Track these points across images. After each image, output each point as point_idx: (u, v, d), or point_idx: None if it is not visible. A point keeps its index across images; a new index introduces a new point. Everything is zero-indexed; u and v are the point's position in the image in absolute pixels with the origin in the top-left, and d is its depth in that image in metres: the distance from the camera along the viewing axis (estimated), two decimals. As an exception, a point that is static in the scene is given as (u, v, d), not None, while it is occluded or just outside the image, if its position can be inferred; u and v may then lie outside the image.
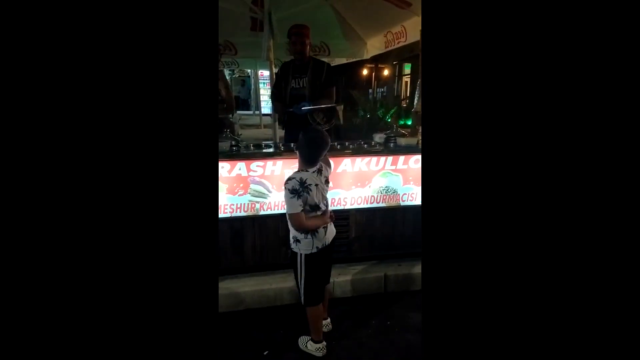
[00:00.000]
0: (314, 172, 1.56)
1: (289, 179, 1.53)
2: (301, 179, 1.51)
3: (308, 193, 1.50)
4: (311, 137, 1.55)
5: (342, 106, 2.52)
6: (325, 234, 1.61)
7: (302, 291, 1.66)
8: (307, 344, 1.75)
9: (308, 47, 2.48)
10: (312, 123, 2.43)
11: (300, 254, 1.60)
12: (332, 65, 2.91)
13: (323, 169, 1.62)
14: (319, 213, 1.59)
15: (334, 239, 1.71)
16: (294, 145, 1.85)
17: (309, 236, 1.57)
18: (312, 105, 2.41)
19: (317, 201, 1.55)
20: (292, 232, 1.61)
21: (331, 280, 1.90)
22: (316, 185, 1.54)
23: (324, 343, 1.73)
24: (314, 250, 1.58)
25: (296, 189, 1.49)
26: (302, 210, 1.50)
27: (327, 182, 1.67)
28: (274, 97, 2.75)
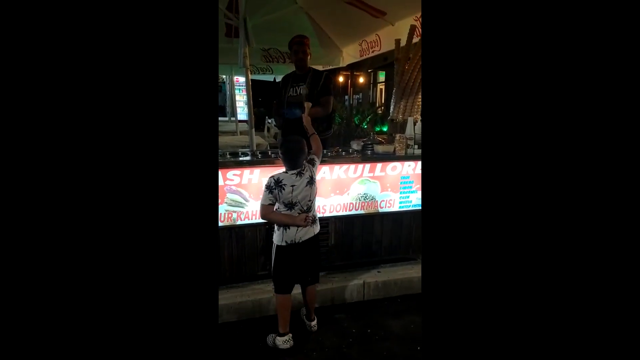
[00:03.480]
0: (293, 173, 1.71)
1: (270, 176, 1.73)
2: (278, 178, 1.71)
3: (280, 191, 1.69)
4: (288, 148, 1.72)
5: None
6: (296, 233, 1.74)
7: (272, 278, 1.84)
8: (275, 340, 1.81)
9: (308, 57, 2.57)
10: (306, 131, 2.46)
11: (274, 244, 1.79)
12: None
13: (305, 169, 1.74)
14: (294, 212, 1.72)
15: (313, 241, 1.79)
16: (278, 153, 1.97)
17: (281, 229, 1.75)
18: (305, 112, 2.41)
19: (292, 200, 1.70)
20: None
21: (311, 289, 1.89)
22: (292, 185, 1.69)
23: (290, 335, 1.81)
24: (283, 243, 1.75)
25: (270, 185, 1.71)
26: (269, 204, 1.72)
27: (310, 182, 1.73)
28: (274, 109, 2.79)
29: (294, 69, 2.64)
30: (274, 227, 1.80)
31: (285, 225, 1.73)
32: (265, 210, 1.72)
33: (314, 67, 2.68)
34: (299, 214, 1.73)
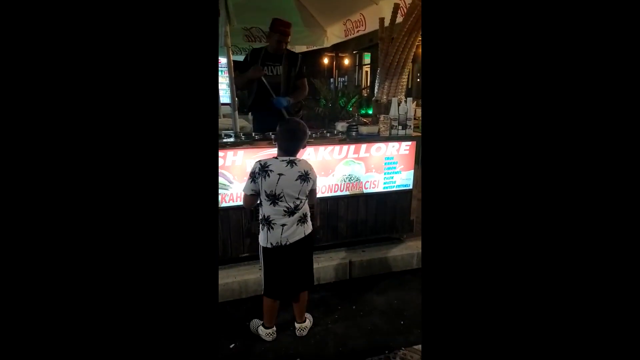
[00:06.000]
0: (284, 160, 1.53)
1: (257, 161, 1.55)
2: (265, 163, 1.51)
3: (265, 178, 1.50)
4: (288, 129, 1.55)
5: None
6: (281, 233, 1.55)
7: (262, 281, 1.70)
8: (258, 329, 1.77)
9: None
10: (285, 114, 2.49)
11: (260, 245, 1.63)
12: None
13: (300, 164, 1.56)
14: (278, 209, 1.53)
15: (304, 242, 1.61)
16: (274, 135, 1.84)
17: (265, 229, 1.58)
18: (291, 99, 2.51)
19: (275, 191, 1.51)
20: None
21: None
22: (280, 174, 1.51)
23: (274, 329, 1.76)
24: (269, 245, 1.58)
25: (254, 172, 1.52)
26: (251, 195, 1.55)
27: (304, 179, 1.55)
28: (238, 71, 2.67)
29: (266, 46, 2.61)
30: (259, 217, 1.63)
31: (270, 225, 1.55)
32: (245, 199, 1.58)
33: (289, 47, 2.70)
34: (284, 212, 1.53)
